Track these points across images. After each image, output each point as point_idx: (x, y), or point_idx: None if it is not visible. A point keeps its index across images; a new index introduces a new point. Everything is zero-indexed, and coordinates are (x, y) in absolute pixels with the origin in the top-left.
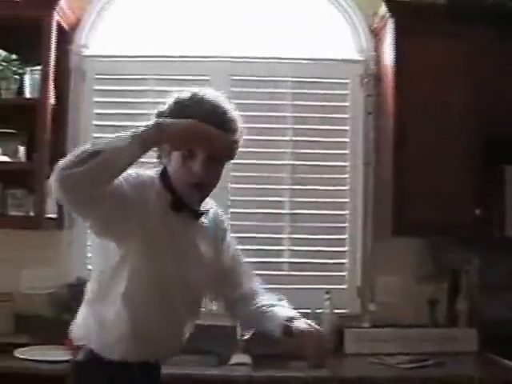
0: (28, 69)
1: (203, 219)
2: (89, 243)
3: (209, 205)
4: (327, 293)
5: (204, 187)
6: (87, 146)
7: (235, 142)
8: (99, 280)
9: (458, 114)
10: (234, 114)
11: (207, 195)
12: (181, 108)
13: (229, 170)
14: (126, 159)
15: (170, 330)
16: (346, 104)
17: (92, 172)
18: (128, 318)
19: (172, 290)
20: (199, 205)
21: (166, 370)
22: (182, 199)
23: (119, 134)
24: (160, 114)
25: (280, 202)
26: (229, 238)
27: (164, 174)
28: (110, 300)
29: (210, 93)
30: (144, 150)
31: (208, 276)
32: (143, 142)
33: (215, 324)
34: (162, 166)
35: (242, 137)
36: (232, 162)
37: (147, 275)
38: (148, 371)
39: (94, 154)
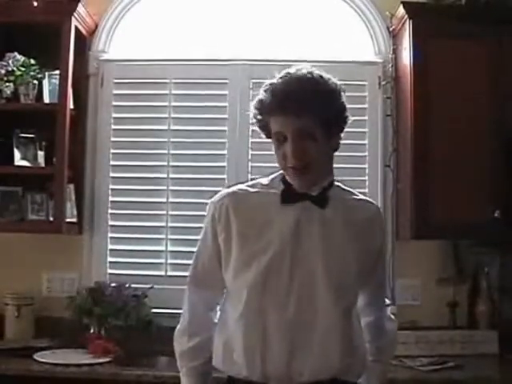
0: (47, 74)
1: (331, 211)
2: (108, 247)
3: (345, 193)
4: None
5: (300, 169)
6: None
7: (324, 118)
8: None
9: (478, 116)
10: (318, 90)
11: (309, 176)
12: (261, 108)
13: (247, 172)
14: None
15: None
16: (365, 106)
17: None
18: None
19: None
20: (313, 190)
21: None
22: (292, 187)
23: None
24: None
25: None
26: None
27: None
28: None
29: (285, 75)
30: None
31: (339, 271)
32: None
33: None
34: None
35: (338, 107)
36: (251, 164)
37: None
38: None
39: None
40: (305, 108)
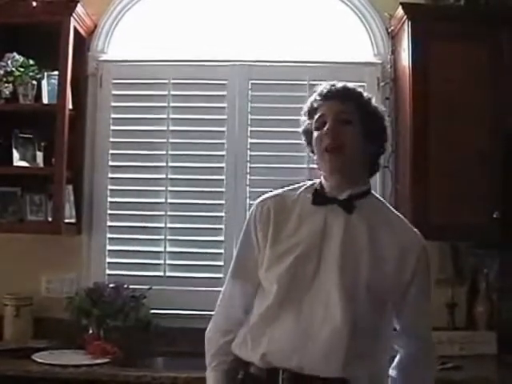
0: (45, 74)
1: (358, 218)
2: (107, 248)
3: (384, 207)
4: None
5: (335, 148)
6: None
7: (364, 111)
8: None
9: (477, 117)
10: (361, 92)
11: (341, 159)
12: (308, 111)
13: (246, 173)
14: None
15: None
16: None
17: None
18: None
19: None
20: (342, 193)
21: (186, 374)
22: (324, 190)
23: None
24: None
25: None
26: (423, 275)
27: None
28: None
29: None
30: None
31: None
32: None
33: None
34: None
35: (381, 118)
36: (250, 165)
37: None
38: None
39: None
40: (349, 96)
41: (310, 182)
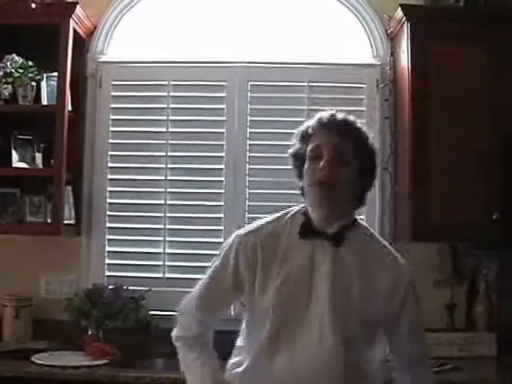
0: (45, 76)
1: (349, 249)
2: (106, 249)
3: (369, 238)
4: None
5: (327, 185)
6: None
7: (362, 150)
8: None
9: (476, 118)
10: (360, 127)
11: (332, 197)
12: (302, 135)
13: (245, 175)
14: None
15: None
16: (363, 109)
17: None
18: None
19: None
20: (331, 226)
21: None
22: (311, 222)
23: None
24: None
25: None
26: (411, 304)
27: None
28: None
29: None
30: None
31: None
32: None
33: (233, 329)
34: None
35: (375, 155)
36: (249, 166)
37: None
38: None
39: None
40: (349, 132)
41: (293, 210)
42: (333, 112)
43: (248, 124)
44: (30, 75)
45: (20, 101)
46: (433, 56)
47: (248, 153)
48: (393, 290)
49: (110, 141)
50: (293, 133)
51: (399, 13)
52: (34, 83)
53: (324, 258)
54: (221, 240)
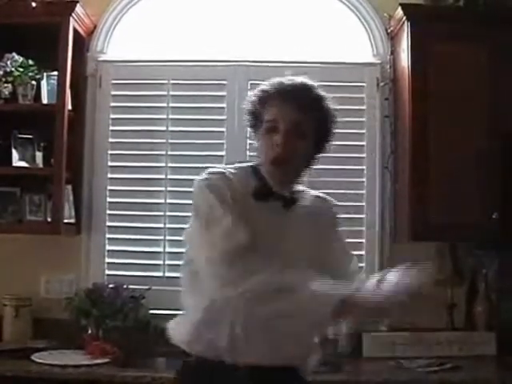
0: (45, 75)
1: (299, 207)
2: (106, 248)
3: (307, 192)
4: None
5: (282, 162)
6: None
7: (320, 124)
8: None
9: (476, 117)
10: (322, 96)
11: (290, 176)
12: (260, 98)
13: None
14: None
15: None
16: (363, 108)
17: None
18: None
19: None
20: (286, 189)
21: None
22: (267, 185)
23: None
24: (247, 106)
25: None
26: (340, 231)
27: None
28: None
29: (295, 78)
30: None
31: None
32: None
33: None
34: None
35: (334, 124)
36: None
37: None
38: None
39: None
40: (308, 105)
41: (246, 166)
42: (294, 82)
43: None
44: (30, 74)
45: (20, 100)
46: (433, 55)
47: (248, 152)
48: (331, 223)
49: (110, 140)
50: None
51: (399, 12)
52: (34, 82)
53: (281, 219)
54: None
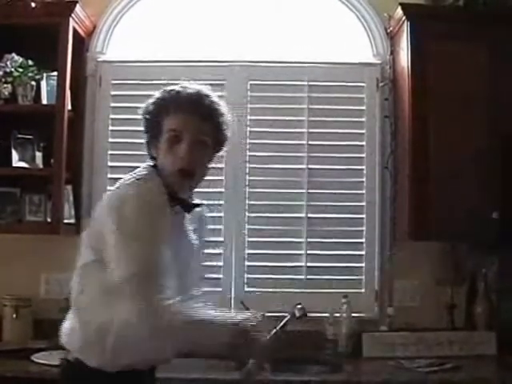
0: (45, 75)
1: (193, 213)
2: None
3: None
4: (345, 297)
5: (189, 174)
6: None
7: (220, 131)
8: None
9: (476, 117)
10: (218, 102)
11: (194, 184)
12: (158, 108)
13: (245, 173)
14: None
15: None
16: (363, 108)
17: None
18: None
19: None
20: (189, 196)
21: (186, 375)
22: (177, 193)
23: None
24: (145, 113)
25: (297, 205)
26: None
27: (157, 169)
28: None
29: (190, 85)
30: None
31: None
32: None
33: None
34: (152, 161)
35: (229, 127)
36: (249, 165)
37: None
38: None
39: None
40: (209, 114)
41: (146, 176)
42: (192, 90)
43: (248, 123)
44: (30, 74)
45: (20, 100)
46: (432, 55)
47: (248, 152)
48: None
49: (110, 140)
50: (293, 132)
51: (399, 12)
52: (33, 83)
53: (186, 224)
54: (221, 239)
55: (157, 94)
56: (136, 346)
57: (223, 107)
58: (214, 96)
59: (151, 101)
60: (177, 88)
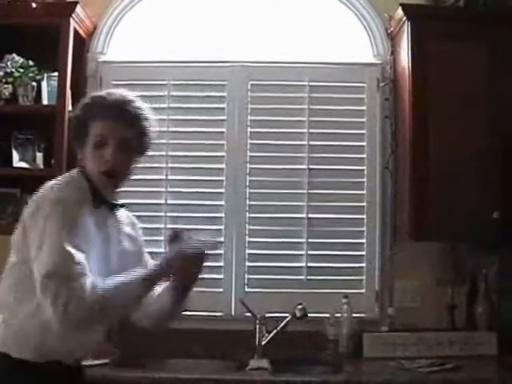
0: (45, 75)
1: (120, 214)
2: None
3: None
4: (345, 297)
5: (113, 176)
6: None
7: (143, 135)
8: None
9: (477, 117)
10: (143, 108)
11: (118, 185)
12: (85, 114)
13: (246, 174)
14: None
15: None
16: (363, 108)
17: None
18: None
19: None
20: (114, 197)
21: (186, 375)
22: (102, 194)
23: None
24: (74, 120)
25: (297, 206)
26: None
27: (84, 171)
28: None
29: (115, 92)
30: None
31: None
32: (154, 283)
33: (234, 329)
34: (80, 164)
35: (153, 130)
36: (250, 166)
37: None
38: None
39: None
40: (134, 119)
41: (74, 177)
42: (117, 97)
43: (248, 123)
44: (31, 75)
45: (20, 101)
46: (433, 55)
47: (248, 152)
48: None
49: None
50: (293, 132)
51: (399, 12)
52: (34, 83)
53: (112, 224)
54: (221, 239)
55: (84, 99)
56: (59, 338)
57: (147, 112)
58: (139, 102)
59: (79, 106)
60: (103, 94)
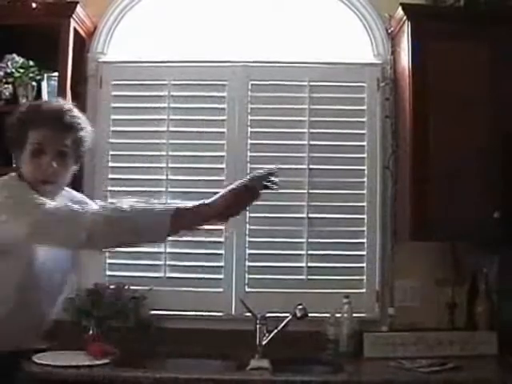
0: (45, 76)
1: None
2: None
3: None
4: (346, 297)
5: (50, 183)
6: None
7: (80, 143)
8: None
9: (477, 117)
10: (79, 117)
11: (55, 190)
12: (22, 122)
13: (246, 174)
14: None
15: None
16: (363, 108)
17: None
18: None
19: (35, 292)
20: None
21: (186, 375)
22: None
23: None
24: (9, 126)
25: (298, 206)
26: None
27: (21, 176)
28: None
29: (53, 101)
30: None
31: (71, 262)
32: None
33: (234, 329)
34: (18, 169)
35: (89, 139)
36: (250, 166)
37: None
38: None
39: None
40: (70, 128)
41: (10, 184)
42: (54, 106)
43: (249, 123)
44: (31, 75)
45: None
46: (433, 55)
47: (249, 152)
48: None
49: (111, 140)
50: (294, 132)
51: (400, 12)
52: (34, 83)
53: None
54: (222, 239)
55: (21, 107)
56: None
57: (83, 121)
58: (75, 111)
59: (15, 114)
60: (40, 103)
